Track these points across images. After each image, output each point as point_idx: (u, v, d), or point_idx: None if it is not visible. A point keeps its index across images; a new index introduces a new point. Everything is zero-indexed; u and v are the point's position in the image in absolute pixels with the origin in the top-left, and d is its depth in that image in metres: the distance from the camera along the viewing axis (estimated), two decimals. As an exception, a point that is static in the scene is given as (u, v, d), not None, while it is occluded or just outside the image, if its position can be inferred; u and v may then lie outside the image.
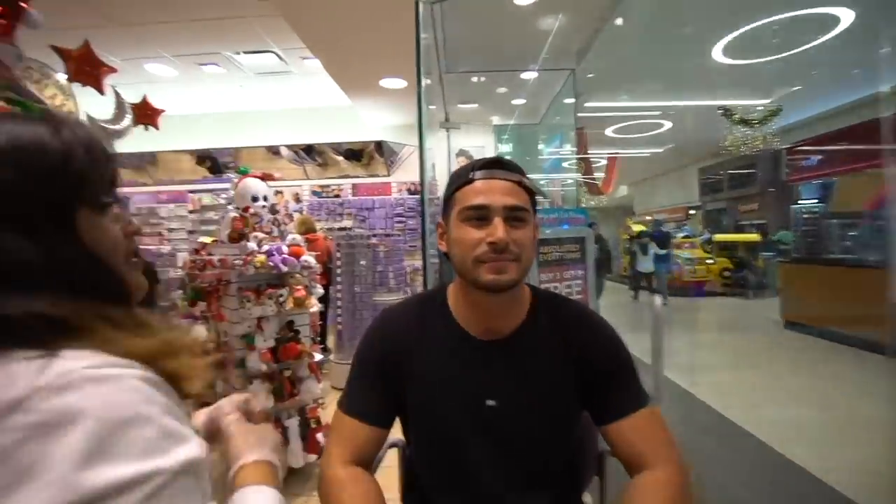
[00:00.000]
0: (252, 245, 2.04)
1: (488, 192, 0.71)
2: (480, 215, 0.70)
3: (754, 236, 8.27)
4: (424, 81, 2.64)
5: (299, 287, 2.14)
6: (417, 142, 1.73)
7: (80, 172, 0.43)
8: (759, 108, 7.15)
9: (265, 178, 2.36)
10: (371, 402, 0.76)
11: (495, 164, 0.73)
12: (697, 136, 8.80)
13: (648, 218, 13.96)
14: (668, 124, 8.18)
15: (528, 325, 0.77)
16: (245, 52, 4.38)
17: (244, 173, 2.30)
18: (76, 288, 0.40)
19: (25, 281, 0.38)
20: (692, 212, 12.49)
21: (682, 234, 10.30)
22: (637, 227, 9.79)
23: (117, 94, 3.07)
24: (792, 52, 4.98)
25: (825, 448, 2.65)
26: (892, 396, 3.38)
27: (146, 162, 6.41)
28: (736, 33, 4.47)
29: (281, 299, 2.07)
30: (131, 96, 3.21)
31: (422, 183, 1.72)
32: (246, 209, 2.20)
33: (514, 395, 0.73)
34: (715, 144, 8.13)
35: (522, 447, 0.73)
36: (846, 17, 4.28)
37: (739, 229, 10.18)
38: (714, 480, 2.15)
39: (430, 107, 4.03)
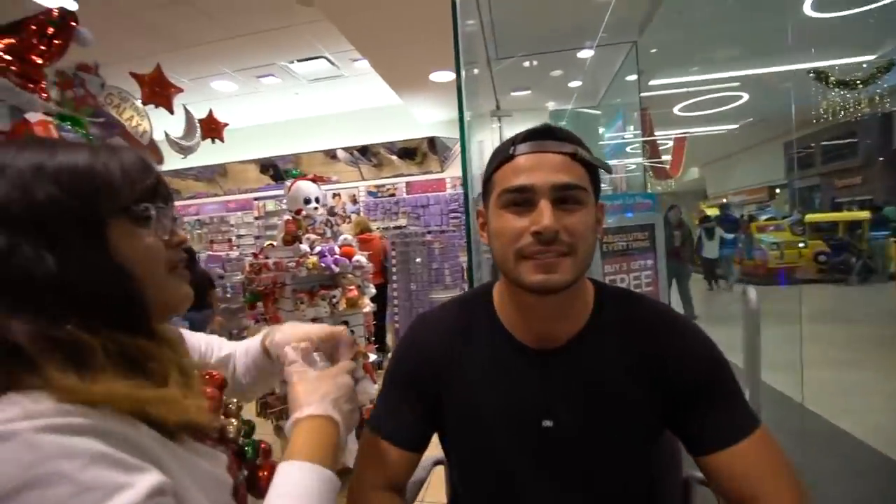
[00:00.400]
0: (304, 247, 2.05)
1: (533, 169, 0.57)
2: (523, 199, 0.57)
3: (862, 214, 7.21)
4: (469, 71, 2.52)
5: (352, 287, 2.12)
6: (459, 137, 1.61)
7: (108, 183, 0.44)
8: (864, 65, 6.20)
9: (316, 179, 2.38)
10: (401, 422, 0.66)
11: (542, 134, 0.59)
12: (781, 106, 7.80)
13: (724, 201, 12.80)
14: (745, 96, 7.35)
15: (591, 329, 0.63)
16: (298, 60, 4.52)
17: (295, 176, 2.33)
18: (86, 306, 0.40)
19: (26, 298, 0.38)
20: (778, 191, 11.24)
21: (764, 217, 9.26)
22: (711, 212, 8.96)
23: (187, 112, 3.28)
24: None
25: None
26: None
27: (216, 174, 6.89)
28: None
29: (334, 300, 2.07)
30: (198, 113, 3.45)
31: (464, 178, 1.61)
32: (298, 212, 2.22)
33: (576, 415, 0.60)
34: (804, 114, 7.20)
35: (586, 478, 0.60)
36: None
37: (836, 207, 9.00)
38: (824, 500, 1.85)
39: (480, 99, 3.90)
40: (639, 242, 2.29)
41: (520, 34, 3.58)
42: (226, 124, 3.66)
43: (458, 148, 6.11)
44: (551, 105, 5.89)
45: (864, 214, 7.18)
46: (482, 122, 4.27)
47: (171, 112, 3.00)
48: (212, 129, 3.60)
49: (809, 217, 7.93)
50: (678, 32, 4.10)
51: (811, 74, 6.28)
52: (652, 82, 5.19)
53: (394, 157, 6.32)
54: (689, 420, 0.59)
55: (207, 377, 0.59)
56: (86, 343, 0.38)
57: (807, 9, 4.35)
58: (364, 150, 6.30)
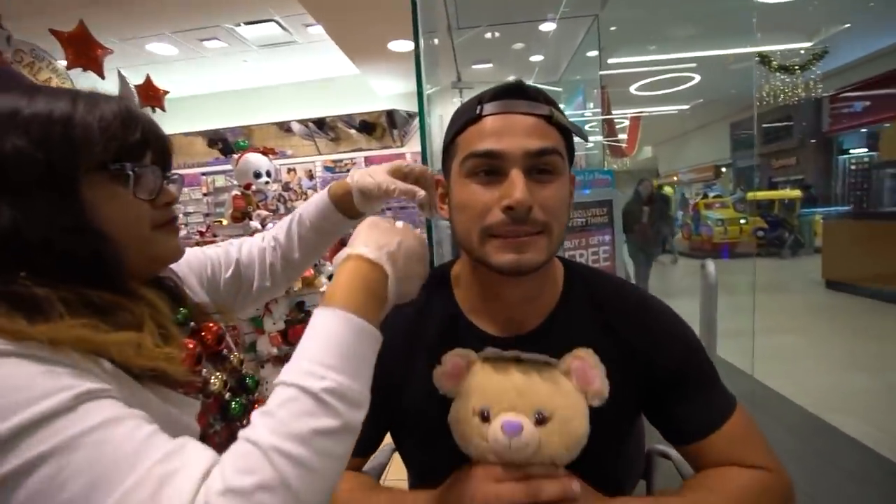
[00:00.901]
0: (255, 224, 1.94)
1: (503, 132, 0.50)
2: (491, 167, 0.50)
3: (794, 192, 7.76)
4: (429, 41, 2.41)
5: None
6: (417, 109, 1.53)
7: (83, 138, 0.42)
8: (802, 51, 6.54)
9: (267, 152, 2.24)
10: None
11: (514, 92, 0.52)
12: (729, 88, 8.19)
13: (675, 179, 13.35)
14: (696, 78, 7.60)
15: (560, 313, 0.58)
16: (245, 24, 4.18)
17: (243, 148, 2.18)
18: (44, 261, 0.40)
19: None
20: (724, 170, 11.85)
21: (712, 194, 9.78)
22: (667, 191, 9.31)
23: (121, 77, 2.97)
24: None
25: (877, 415, 2.46)
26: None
27: (160, 146, 6.38)
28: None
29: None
30: (134, 79, 3.15)
31: (423, 153, 1.55)
32: (247, 186, 2.08)
33: None
34: (749, 96, 7.55)
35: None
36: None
37: (773, 186, 9.62)
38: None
39: (439, 70, 3.78)
40: (597, 218, 2.33)
41: (482, 3, 3.48)
42: (166, 91, 3.36)
43: (418, 122, 5.95)
44: (512, 79, 5.81)
45: (796, 193, 7.73)
46: (443, 95, 4.16)
47: (102, 76, 2.70)
48: (150, 96, 3.29)
49: (750, 195, 8.44)
50: (638, 9, 4.13)
51: (756, 58, 6.56)
52: (611, 60, 5.24)
53: (352, 131, 6.08)
54: (669, 409, 0.56)
55: (204, 330, 0.57)
56: (38, 294, 0.38)
57: (756, -8, 4.49)
58: (320, 124, 6.02)
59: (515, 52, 4.77)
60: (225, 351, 0.60)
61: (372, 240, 0.47)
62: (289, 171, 6.06)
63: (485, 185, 0.51)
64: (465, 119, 0.53)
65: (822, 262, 5.09)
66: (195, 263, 0.69)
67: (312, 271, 2.07)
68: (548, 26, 3.98)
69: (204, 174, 6.27)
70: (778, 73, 6.87)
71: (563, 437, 0.47)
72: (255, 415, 0.36)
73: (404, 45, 4.10)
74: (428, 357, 0.57)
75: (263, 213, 2.04)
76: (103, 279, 0.44)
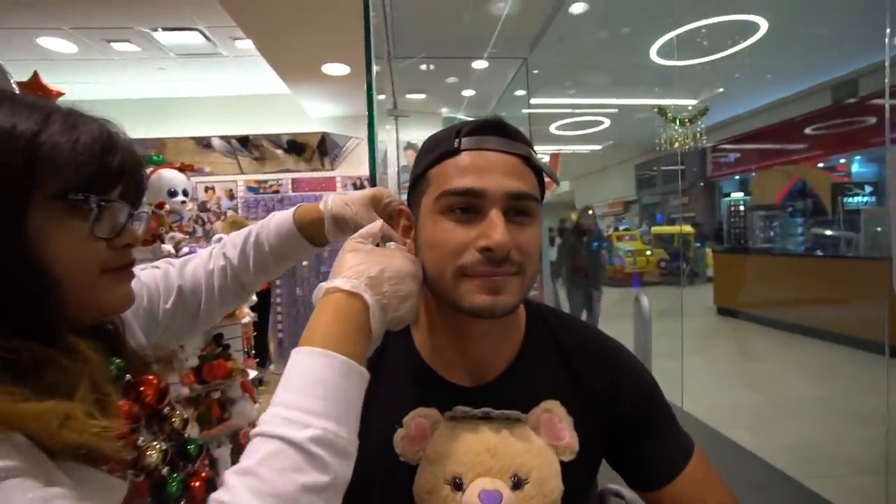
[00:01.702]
0: (167, 247, 1.74)
1: (484, 170, 0.48)
2: (469, 205, 0.48)
3: (688, 228, 8.82)
4: (374, 67, 2.42)
5: (229, 295, 1.86)
6: (367, 133, 1.50)
7: (47, 160, 0.37)
8: (689, 107, 7.62)
9: (185, 169, 2.05)
10: None
11: (495, 129, 0.50)
12: (634, 133, 9.26)
13: (590, 212, 14.50)
14: (606, 122, 8.49)
15: (524, 358, 0.56)
16: (164, 29, 3.87)
17: (157, 163, 1.97)
18: None
19: None
20: (630, 206, 13.15)
21: (622, 227, 10.76)
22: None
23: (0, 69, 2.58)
24: (717, 55, 5.28)
25: (764, 428, 2.78)
26: (818, 375, 3.66)
27: (47, 153, 5.59)
28: (671, 34, 4.65)
29: (207, 310, 1.79)
30: (21, 75, 2.75)
31: (372, 179, 1.51)
32: (160, 205, 1.88)
33: None
34: (650, 141, 8.57)
35: None
36: (764, 24, 4.58)
37: (671, 222, 10.85)
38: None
39: (380, 96, 3.80)
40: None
41: (419, 35, 3.59)
42: (60, 93, 2.98)
43: (351, 144, 5.87)
44: (444, 111, 6.04)
45: (690, 229, 8.80)
46: (379, 121, 4.17)
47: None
48: (39, 97, 2.90)
49: (654, 229, 9.43)
50: (559, 57, 4.53)
51: (654, 109, 7.51)
52: (533, 100, 5.67)
53: (279, 151, 5.82)
54: (632, 454, 0.56)
55: (143, 385, 0.49)
56: None
57: (653, 54, 5.18)
58: (244, 141, 5.69)
59: (448, 85, 4.95)
60: (167, 409, 0.51)
61: (350, 268, 0.44)
62: (206, 189, 5.61)
63: (460, 223, 0.48)
64: (441, 152, 0.51)
65: (713, 291, 5.78)
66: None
67: (234, 300, 1.90)
68: (480, 64, 4.21)
69: (102, 188, 5.59)
70: (672, 124, 7.91)
71: (539, 499, 0.45)
72: (230, 474, 0.31)
73: (338, 69, 4.06)
74: (385, 414, 0.52)
75: (178, 235, 1.84)
76: (38, 328, 0.37)
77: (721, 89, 7.12)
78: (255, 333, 2.29)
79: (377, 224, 0.53)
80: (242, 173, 5.87)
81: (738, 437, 2.59)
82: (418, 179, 0.53)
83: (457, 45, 3.75)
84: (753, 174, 8.64)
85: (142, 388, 0.47)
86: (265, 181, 5.87)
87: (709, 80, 6.49)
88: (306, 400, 0.35)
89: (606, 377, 0.56)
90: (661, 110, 7.69)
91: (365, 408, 0.52)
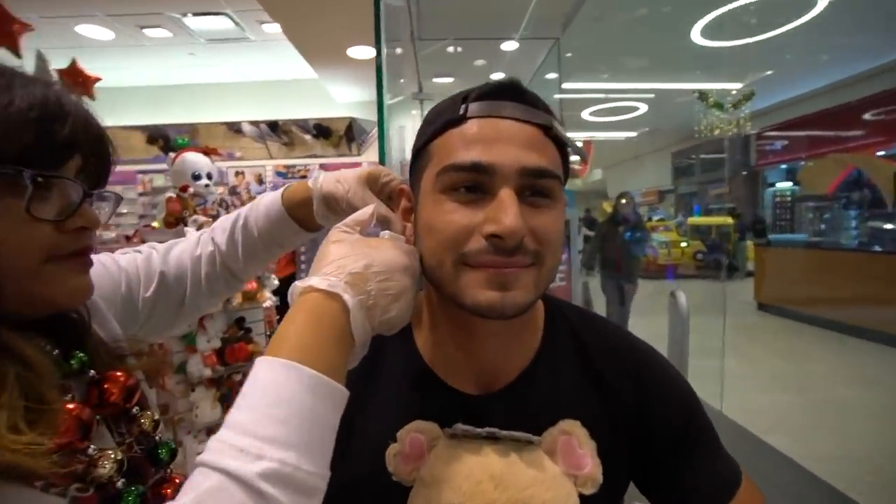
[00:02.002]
0: (191, 230, 1.74)
1: (493, 140, 0.40)
2: (476, 182, 0.40)
3: (728, 219, 8.39)
4: (394, 50, 2.34)
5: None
6: (377, 116, 1.43)
7: None
8: (734, 91, 7.15)
9: (209, 152, 2.04)
10: None
11: (508, 92, 0.42)
12: (672, 119, 8.82)
13: (624, 201, 14.07)
14: (643, 107, 8.10)
15: (542, 362, 0.48)
16: (194, 14, 3.91)
17: (181, 146, 1.97)
18: None
19: None
20: (665, 196, 12.64)
21: (656, 217, 10.36)
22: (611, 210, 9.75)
23: (39, 57, 2.65)
24: (767, 34, 4.89)
25: (803, 434, 2.61)
26: (868, 379, 3.40)
27: (89, 139, 5.84)
28: (716, 13, 4.33)
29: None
30: (60, 62, 2.84)
31: (382, 161, 1.44)
32: (184, 188, 1.88)
33: None
34: (689, 128, 8.15)
35: None
36: (820, 0, 4.18)
37: (709, 212, 10.35)
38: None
39: (401, 80, 3.71)
40: (554, 238, 2.33)
41: (446, 16, 3.47)
42: (97, 78, 3.06)
43: (376, 132, 5.84)
44: (505, 77, 5.85)
45: (730, 220, 8.36)
46: (404, 106, 4.09)
47: (18, 55, 2.42)
48: (78, 82, 2.98)
49: (691, 220, 9.02)
50: (593, 38, 4.31)
51: (695, 94, 7.10)
52: (565, 85, 5.44)
53: (307, 137, 5.85)
54: (666, 480, 0.48)
55: (108, 381, 0.43)
56: None
57: (695, 35, 4.85)
58: (273, 126, 5.75)
59: (477, 68, 4.81)
60: (136, 410, 0.46)
61: (331, 263, 0.37)
62: (237, 174, 5.72)
63: (464, 204, 0.40)
64: (445, 120, 0.42)
65: (754, 286, 5.46)
66: (103, 280, 0.54)
67: (256, 284, 1.89)
68: (509, 45, 4.05)
69: (141, 172, 5.77)
70: (713, 109, 7.46)
71: None
72: None
73: (365, 52, 4.00)
74: (379, 424, 0.45)
75: (201, 218, 1.84)
76: None
77: (770, 72, 6.64)
78: (277, 318, 2.30)
79: (367, 209, 0.45)
80: (271, 158, 5.95)
81: (778, 443, 2.43)
82: (419, 153, 0.45)
83: (485, 25, 3.60)
84: (803, 163, 8.07)
85: (106, 386, 0.43)
86: (293, 166, 5.93)
87: (756, 61, 6.04)
88: (262, 423, 0.28)
89: (636, 388, 0.48)
90: (703, 95, 7.26)
91: (358, 416, 0.46)
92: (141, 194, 5.66)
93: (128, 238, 2.01)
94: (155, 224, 2.01)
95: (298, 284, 0.37)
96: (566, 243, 2.40)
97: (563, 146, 0.44)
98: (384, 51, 1.85)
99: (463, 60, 4.49)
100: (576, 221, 2.46)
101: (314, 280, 0.36)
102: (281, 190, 0.60)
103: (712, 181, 10.68)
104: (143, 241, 1.86)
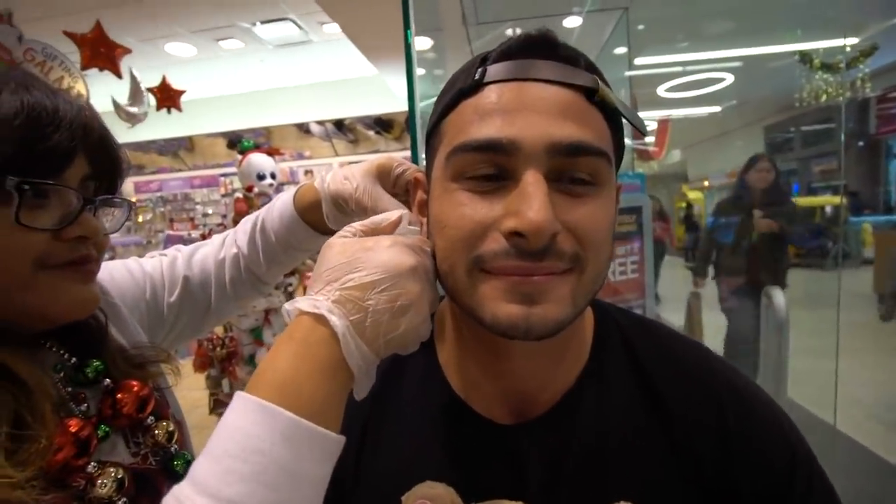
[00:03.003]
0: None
1: (516, 110, 0.31)
2: (493, 166, 0.31)
3: (836, 199, 7.33)
4: (439, 35, 2.26)
5: (310, 274, 1.90)
6: (407, 105, 1.34)
7: None
8: (847, 48, 6.14)
9: (272, 153, 2.12)
10: None
11: (536, 48, 0.33)
12: (765, 89, 7.81)
13: (705, 184, 12.88)
14: (728, 78, 7.24)
15: (588, 388, 0.38)
16: (262, 22, 4.15)
17: (247, 149, 2.07)
18: None
19: None
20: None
21: (746, 201, 9.35)
22: (692, 195, 8.94)
23: (133, 76, 2.95)
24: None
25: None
26: None
27: (181, 147, 6.47)
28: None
29: (290, 289, 1.86)
30: (153, 79, 3.15)
31: (414, 159, 1.36)
32: (250, 188, 1.97)
33: None
34: (786, 97, 7.18)
35: None
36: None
37: (812, 192, 9.12)
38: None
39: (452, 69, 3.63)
40: (625, 226, 2.14)
41: (502, -5, 3.31)
42: (182, 91, 3.35)
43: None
44: (535, 30, 5.61)
45: (839, 199, 7.25)
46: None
47: (119, 76, 2.71)
48: (168, 97, 3.28)
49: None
50: (667, 4, 3.90)
51: (796, 57, 6.20)
52: (637, 60, 4.98)
53: (370, 133, 6.01)
54: None
55: (122, 391, 0.42)
56: None
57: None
58: (339, 125, 5.97)
59: (538, 50, 4.58)
60: (151, 420, 0.44)
61: (321, 275, 0.31)
62: (306, 173, 6.02)
63: (481, 194, 0.32)
64: (458, 89, 0.34)
65: (873, 275, 4.70)
66: (128, 285, 0.53)
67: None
68: (573, 21, 3.78)
69: (223, 175, 6.31)
70: (820, 73, 6.49)
71: None
72: None
73: (422, 42, 3.96)
74: (391, 457, 0.39)
75: (264, 216, 1.92)
76: None
77: (900, 20, 5.59)
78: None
79: (394, 214, 0.38)
80: (337, 155, 6.19)
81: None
82: (431, 134, 0.37)
83: (545, 2, 3.39)
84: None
85: (119, 396, 0.41)
86: (356, 162, 6.12)
87: (880, 8, 5.10)
88: (225, 480, 0.24)
89: (719, 427, 0.36)
90: (805, 56, 6.33)
91: (368, 449, 0.40)
92: (223, 196, 6.20)
93: (203, 237, 2.15)
94: (227, 223, 2.13)
95: (287, 307, 0.31)
96: (639, 232, 2.19)
97: (614, 115, 0.34)
98: (412, 33, 1.77)
99: (523, 43, 4.29)
100: (648, 209, 2.22)
101: (302, 302, 0.30)
102: (293, 191, 0.55)
103: (817, 156, 9.37)
104: (215, 240, 1.99)
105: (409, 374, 0.42)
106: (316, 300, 0.30)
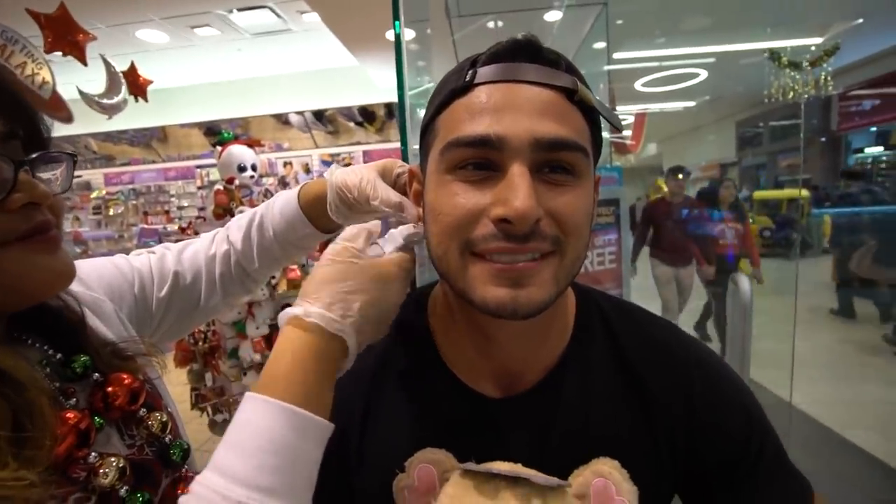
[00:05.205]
0: (236, 221, 1.80)
1: (503, 109, 0.34)
2: (484, 158, 0.35)
3: (802, 192, 7.64)
4: (422, 28, 2.26)
5: (293, 267, 1.90)
6: (397, 95, 1.36)
7: None
8: (813, 47, 6.38)
9: (252, 144, 2.10)
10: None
11: (522, 52, 0.37)
12: (737, 85, 8.04)
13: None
14: (702, 73, 7.44)
15: (573, 361, 0.43)
16: (238, 10, 4.03)
17: (227, 140, 2.04)
18: None
19: None
20: (729, 168, 11.71)
21: (717, 193, 9.64)
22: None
23: (107, 64, 2.84)
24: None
25: (892, 428, 2.33)
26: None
27: (154, 138, 6.25)
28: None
29: (273, 281, 1.85)
30: (123, 67, 3.03)
31: (404, 156, 1.38)
32: (230, 181, 1.95)
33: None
34: (756, 94, 7.42)
35: None
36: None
37: (779, 185, 9.47)
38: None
39: (436, 62, 3.62)
40: (603, 218, 2.20)
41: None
42: (149, 81, 3.24)
43: (420, 114, 5.80)
44: (521, 35, 5.63)
45: (804, 192, 7.58)
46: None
47: (84, 63, 2.60)
48: (133, 85, 3.16)
49: (757, 194, 8.29)
50: (645, 2, 3.98)
51: (766, 54, 6.41)
52: (616, 55, 5.07)
53: (351, 124, 5.94)
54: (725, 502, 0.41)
55: (112, 384, 0.42)
56: None
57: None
58: (319, 116, 5.88)
59: (519, 43, 4.61)
60: (143, 411, 0.45)
61: (326, 292, 0.35)
62: (285, 164, 5.93)
63: (472, 184, 0.36)
64: (450, 89, 0.38)
65: (832, 264, 4.95)
66: (115, 280, 0.53)
67: (299, 272, 1.94)
68: (553, 15, 3.83)
69: (199, 167, 6.14)
70: (787, 70, 6.72)
71: None
72: None
73: (406, 34, 3.94)
74: (398, 419, 0.43)
75: (247, 209, 1.90)
76: None
77: (860, 20, 5.84)
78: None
79: (358, 228, 0.41)
80: (317, 147, 6.10)
81: (859, 439, 2.19)
82: (426, 130, 0.41)
83: (527, -5, 3.42)
84: (896, 124, 7.14)
85: (110, 389, 0.42)
86: (338, 154, 6.04)
87: (841, 10, 5.33)
88: (256, 471, 0.29)
89: (687, 396, 0.41)
90: (774, 54, 6.55)
91: (372, 418, 0.43)
92: (199, 188, 6.04)
93: (182, 230, 2.12)
94: (205, 216, 2.10)
95: (293, 311, 0.36)
96: (616, 224, 2.26)
97: (593, 113, 0.38)
98: (401, 25, 1.78)
99: (504, 36, 4.29)
100: (626, 200, 2.30)
101: (301, 310, 0.35)
102: (297, 188, 0.58)
103: (783, 150, 9.73)
104: (197, 233, 1.96)
105: (407, 357, 0.46)
106: (319, 313, 0.34)
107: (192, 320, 0.62)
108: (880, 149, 7.45)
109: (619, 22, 3.98)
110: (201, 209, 5.96)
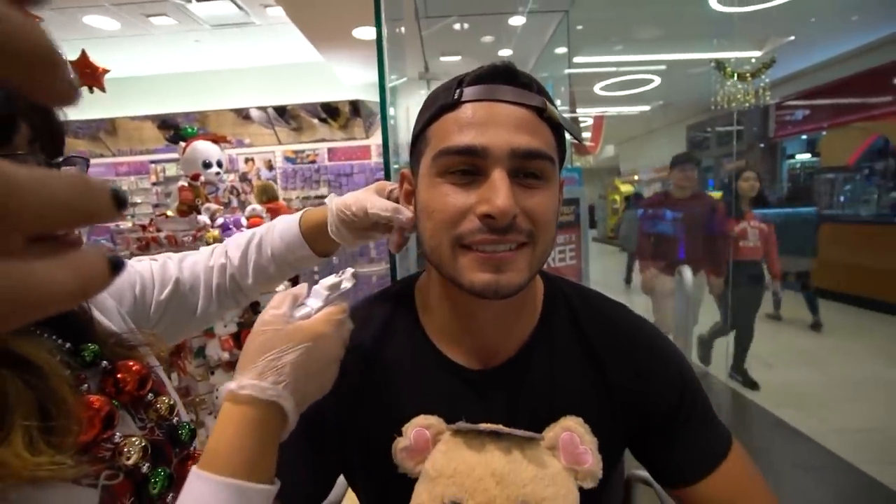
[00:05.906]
0: (203, 218, 1.78)
1: (486, 123, 0.42)
2: (470, 165, 0.42)
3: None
4: (397, 29, 2.30)
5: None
6: (378, 96, 1.42)
7: None
8: (752, 60, 6.89)
9: (218, 140, 2.06)
10: (296, 477, 0.46)
11: (501, 76, 0.44)
12: (687, 92, 8.54)
13: (636, 178, 13.84)
14: (656, 80, 7.86)
15: (540, 339, 0.51)
16: (198, 0, 3.89)
17: (191, 135, 1.99)
18: None
19: None
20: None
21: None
22: (624, 188, 9.60)
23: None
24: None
25: (820, 408, 2.60)
26: (886, 352, 3.36)
27: (102, 130, 5.90)
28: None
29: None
30: (72, 55, 2.86)
31: (385, 149, 1.44)
32: (195, 177, 1.91)
33: None
34: (705, 100, 7.92)
35: None
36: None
37: (725, 187, 10.11)
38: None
39: (406, 61, 3.66)
40: (564, 217, 2.33)
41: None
42: (106, 70, 3.08)
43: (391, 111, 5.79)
44: (500, 61, 5.73)
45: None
46: (409, 86, 4.04)
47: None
48: (87, 74, 3.00)
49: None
50: (604, 9, 4.17)
51: (712, 64, 6.85)
52: (576, 59, 5.28)
53: (315, 121, 5.84)
54: (661, 450, 0.50)
55: (121, 371, 0.44)
56: None
57: (713, 0, 4.66)
58: (282, 111, 5.74)
59: (484, 45, 4.70)
60: (151, 396, 0.47)
61: (257, 362, 0.38)
62: (247, 160, 5.76)
63: (460, 186, 0.43)
64: (441, 105, 0.44)
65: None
66: (116, 280, 0.55)
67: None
68: (517, 20, 3.94)
69: (153, 162, 5.86)
70: (731, 80, 7.21)
71: None
72: None
73: (371, 33, 3.94)
74: (389, 391, 0.49)
75: (213, 206, 1.87)
76: None
77: (792, 37, 6.36)
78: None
79: (284, 295, 0.44)
80: (280, 144, 5.97)
81: (789, 417, 2.43)
82: (418, 138, 0.48)
83: (492, 0, 3.51)
84: (825, 133, 7.82)
85: (120, 375, 0.44)
86: (302, 151, 5.94)
87: (777, 27, 5.79)
88: None
89: (635, 366, 0.51)
90: (720, 64, 7.02)
91: (369, 391, 0.49)
92: (154, 184, 5.76)
93: (143, 227, 2.05)
94: (169, 213, 2.05)
95: (231, 385, 0.38)
96: (576, 222, 2.39)
97: (558, 128, 0.45)
98: (384, 29, 1.83)
99: (470, 37, 4.39)
100: (586, 199, 2.43)
101: (236, 384, 0.37)
102: (299, 214, 0.62)
103: (728, 154, 10.42)
104: (159, 230, 1.91)
105: (398, 337, 0.52)
106: (255, 385, 0.37)
107: (184, 329, 0.64)
108: (808, 155, 8.14)
109: (580, 27, 4.16)
110: (156, 206, 5.70)
